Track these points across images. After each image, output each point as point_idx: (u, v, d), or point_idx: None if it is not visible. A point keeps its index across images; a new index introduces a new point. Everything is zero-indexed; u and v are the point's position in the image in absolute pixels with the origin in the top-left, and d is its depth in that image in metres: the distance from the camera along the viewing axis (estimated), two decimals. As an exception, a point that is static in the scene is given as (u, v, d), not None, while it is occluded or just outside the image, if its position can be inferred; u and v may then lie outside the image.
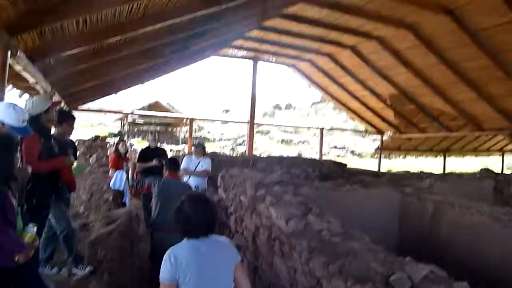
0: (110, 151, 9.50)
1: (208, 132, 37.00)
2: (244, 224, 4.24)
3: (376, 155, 18.69)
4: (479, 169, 6.92)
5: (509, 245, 3.37)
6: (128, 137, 25.88)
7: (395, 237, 4.62)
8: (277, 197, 3.59)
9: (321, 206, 3.40)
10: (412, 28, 8.92)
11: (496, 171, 7.18)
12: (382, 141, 16.68)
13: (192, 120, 14.42)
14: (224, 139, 35.94)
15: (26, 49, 4.21)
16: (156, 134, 7.26)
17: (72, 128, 4.05)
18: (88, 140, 12.14)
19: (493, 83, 9.66)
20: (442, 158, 17.80)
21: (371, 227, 3.74)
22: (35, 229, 2.46)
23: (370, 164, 19.83)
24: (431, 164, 20.52)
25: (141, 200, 6.61)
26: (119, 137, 13.91)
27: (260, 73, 14.27)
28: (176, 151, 17.87)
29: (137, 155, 7.27)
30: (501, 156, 18.81)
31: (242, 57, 12.88)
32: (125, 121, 30.73)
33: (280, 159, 9.39)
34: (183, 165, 6.21)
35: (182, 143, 25.14)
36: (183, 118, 25.85)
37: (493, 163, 20.68)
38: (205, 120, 34.57)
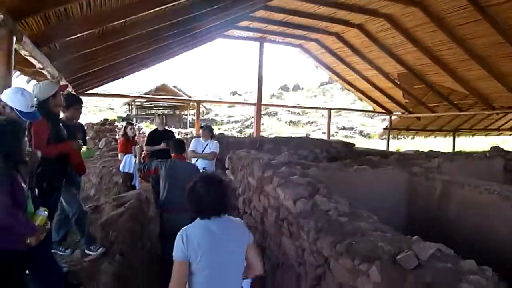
0: (119, 135, 9.56)
1: (216, 115, 36.95)
2: (252, 205, 4.27)
3: (384, 136, 18.55)
4: (489, 148, 6.81)
5: (518, 224, 3.35)
6: (136, 120, 26.03)
7: (403, 217, 4.61)
8: (284, 178, 3.59)
9: (328, 187, 3.40)
10: (421, 5, 8.71)
11: (506, 149, 7.07)
12: (390, 121, 16.54)
13: (199, 102, 14.40)
14: (232, 122, 35.88)
15: (32, 34, 4.22)
16: (164, 117, 7.25)
17: (80, 112, 4.05)
18: (97, 124, 12.23)
19: (504, 60, 9.46)
20: (451, 138, 17.61)
21: (379, 207, 3.74)
22: (46, 212, 2.51)
23: (378, 145, 19.68)
24: (440, 145, 20.31)
25: (150, 182, 6.66)
26: (127, 121, 13.99)
27: (266, 55, 14.13)
28: (184, 133, 17.95)
29: (145, 138, 7.30)
30: (512, 135, 18.58)
31: (248, 38, 12.75)
32: (133, 105, 30.88)
33: (287, 140, 9.36)
34: (190, 147, 6.23)
35: (189, 127, 25.20)
36: (190, 101, 25.90)
37: (504, 142, 20.39)
38: (212, 102, 34.51)
